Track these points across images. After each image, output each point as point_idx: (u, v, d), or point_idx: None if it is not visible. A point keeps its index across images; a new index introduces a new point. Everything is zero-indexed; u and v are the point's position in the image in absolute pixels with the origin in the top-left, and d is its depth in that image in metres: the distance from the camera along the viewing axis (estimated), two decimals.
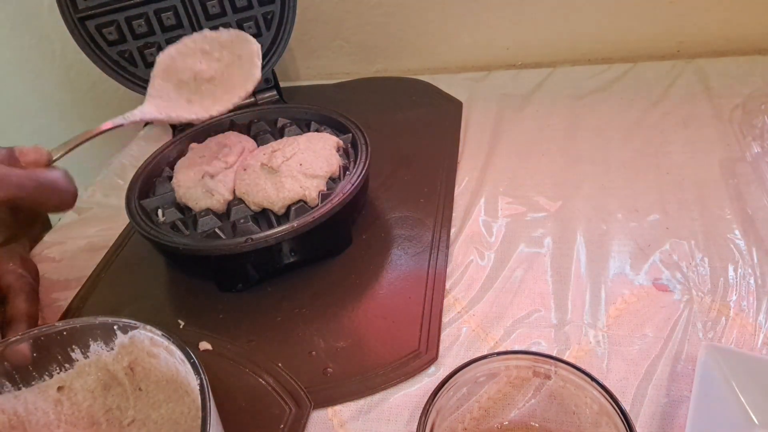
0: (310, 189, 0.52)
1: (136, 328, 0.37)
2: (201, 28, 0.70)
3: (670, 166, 0.60)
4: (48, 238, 0.65)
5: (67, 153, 0.45)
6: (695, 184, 0.57)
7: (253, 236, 0.48)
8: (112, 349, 0.39)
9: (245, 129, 0.65)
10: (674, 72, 0.75)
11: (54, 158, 0.44)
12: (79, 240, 0.64)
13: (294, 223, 0.49)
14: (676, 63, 0.76)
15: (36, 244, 0.64)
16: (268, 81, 0.75)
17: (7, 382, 0.37)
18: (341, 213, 0.51)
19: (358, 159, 0.56)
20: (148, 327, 0.37)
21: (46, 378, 0.39)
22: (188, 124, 0.72)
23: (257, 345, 0.48)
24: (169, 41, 0.69)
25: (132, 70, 0.70)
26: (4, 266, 0.51)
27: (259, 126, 0.65)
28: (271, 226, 0.51)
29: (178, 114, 0.51)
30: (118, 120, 0.48)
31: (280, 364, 0.46)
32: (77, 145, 0.46)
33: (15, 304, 0.48)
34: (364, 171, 0.54)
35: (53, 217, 0.72)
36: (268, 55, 0.74)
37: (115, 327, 0.38)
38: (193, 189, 0.54)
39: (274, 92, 0.76)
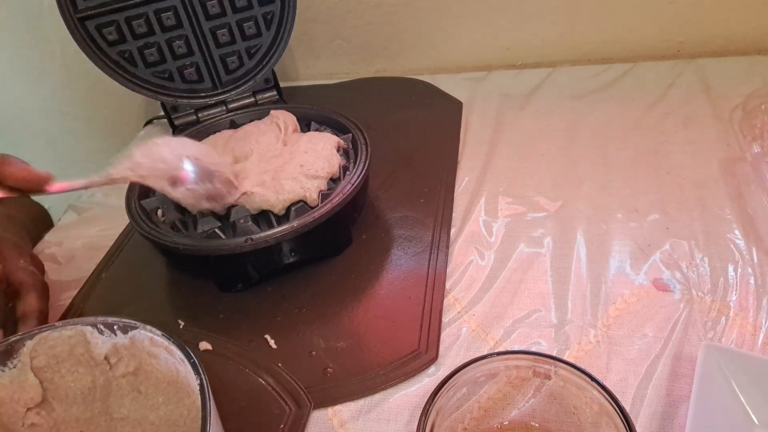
0: (311, 190, 0.52)
1: (136, 328, 0.37)
2: (201, 28, 0.70)
3: (670, 166, 0.60)
4: (48, 238, 0.65)
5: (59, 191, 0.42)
6: (695, 184, 0.57)
7: (253, 236, 0.48)
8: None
9: None
10: (674, 72, 0.75)
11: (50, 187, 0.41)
12: (79, 240, 0.64)
13: (294, 223, 0.49)
14: (676, 63, 0.76)
15: (36, 243, 0.64)
16: (268, 81, 0.75)
17: None
18: (341, 213, 0.51)
19: (358, 159, 0.56)
20: (148, 327, 0.37)
21: None
22: (189, 125, 0.72)
23: (257, 345, 0.48)
24: (169, 41, 0.69)
25: (132, 70, 0.70)
26: (16, 262, 0.50)
27: None
28: (271, 227, 0.51)
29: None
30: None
31: (280, 364, 0.46)
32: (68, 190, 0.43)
33: (27, 301, 0.48)
34: (364, 171, 0.54)
35: (53, 217, 0.72)
36: (268, 55, 0.74)
37: (115, 327, 0.38)
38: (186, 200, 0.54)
39: (274, 92, 0.76)
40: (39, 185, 0.40)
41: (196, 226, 0.53)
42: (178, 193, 0.48)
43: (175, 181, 0.47)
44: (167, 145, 0.47)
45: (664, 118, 0.67)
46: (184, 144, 0.49)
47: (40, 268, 0.55)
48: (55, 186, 0.41)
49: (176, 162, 0.47)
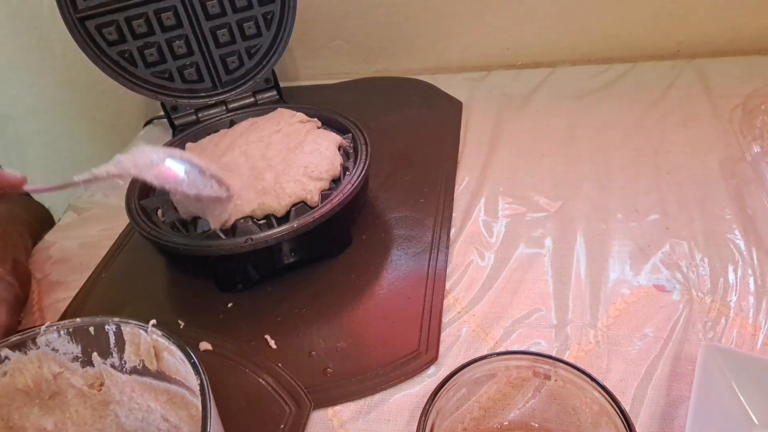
0: (313, 192, 0.52)
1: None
2: (201, 28, 0.70)
3: (670, 166, 0.60)
4: (48, 238, 0.65)
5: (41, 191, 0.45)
6: (695, 184, 0.57)
7: (253, 236, 0.48)
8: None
9: None
10: (674, 72, 0.75)
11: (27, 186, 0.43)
12: (79, 240, 0.64)
13: (294, 224, 0.49)
14: (676, 63, 0.76)
15: (37, 243, 0.64)
16: (268, 81, 0.75)
17: None
18: (341, 213, 0.51)
19: (358, 159, 0.56)
20: (149, 327, 0.37)
21: None
22: (189, 125, 0.72)
23: (257, 345, 0.48)
24: (169, 41, 0.69)
25: (132, 70, 0.70)
26: None
27: None
28: (271, 227, 0.50)
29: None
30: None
31: (280, 364, 0.46)
32: (52, 189, 0.44)
33: None
34: (364, 171, 0.54)
35: (54, 218, 0.72)
36: (268, 55, 0.74)
37: (115, 327, 0.38)
38: (183, 204, 0.53)
39: (274, 92, 0.76)
40: (11, 188, 0.40)
41: (196, 226, 0.53)
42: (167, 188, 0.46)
43: (160, 176, 0.45)
44: (155, 149, 0.45)
45: (664, 118, 0.67)
46: (173, 150, 0.47)
47: (23, 277, 0.53)
48: (30, 188, 0.42)
49: (161, 157, 0.45)
